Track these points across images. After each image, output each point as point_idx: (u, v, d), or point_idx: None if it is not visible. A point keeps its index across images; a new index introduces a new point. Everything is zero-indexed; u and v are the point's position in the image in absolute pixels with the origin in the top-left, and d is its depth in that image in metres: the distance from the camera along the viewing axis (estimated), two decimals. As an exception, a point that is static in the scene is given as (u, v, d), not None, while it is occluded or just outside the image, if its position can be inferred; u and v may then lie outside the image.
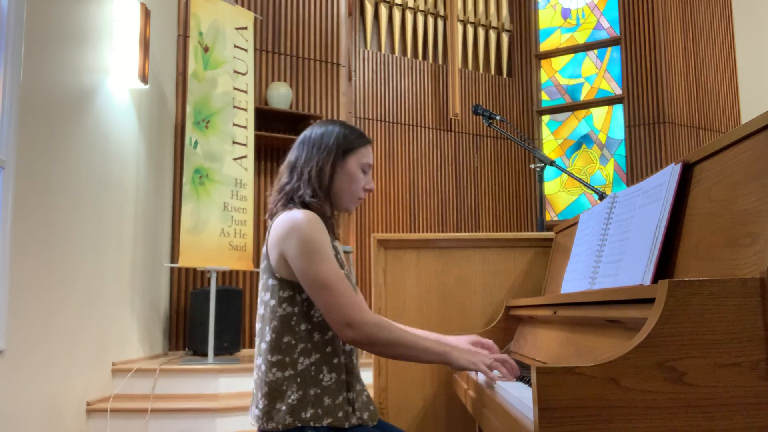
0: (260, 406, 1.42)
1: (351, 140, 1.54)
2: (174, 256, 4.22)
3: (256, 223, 4.49)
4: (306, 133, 1.58)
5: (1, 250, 2.31)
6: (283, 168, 1.56)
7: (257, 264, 4.44)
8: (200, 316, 3.88)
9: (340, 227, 1.62)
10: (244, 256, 3.88)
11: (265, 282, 1.47)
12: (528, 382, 1.33)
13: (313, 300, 1.40)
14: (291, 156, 1.56)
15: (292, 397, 1.38)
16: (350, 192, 1.54)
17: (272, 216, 1.52)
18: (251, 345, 4.43)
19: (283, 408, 1.38)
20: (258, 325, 1.48)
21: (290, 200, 1.50)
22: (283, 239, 1.41)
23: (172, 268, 4.24)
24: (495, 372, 1.40)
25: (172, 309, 4.25)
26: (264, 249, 1.50)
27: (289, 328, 1.41)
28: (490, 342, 1.64)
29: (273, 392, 1.40)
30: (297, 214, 1.42)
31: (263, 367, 1.43)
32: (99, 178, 3.18)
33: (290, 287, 1.43)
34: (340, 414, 1.40)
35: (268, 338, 1.42)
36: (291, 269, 1.42)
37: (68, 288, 2.84)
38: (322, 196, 1.50)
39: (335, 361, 1.43)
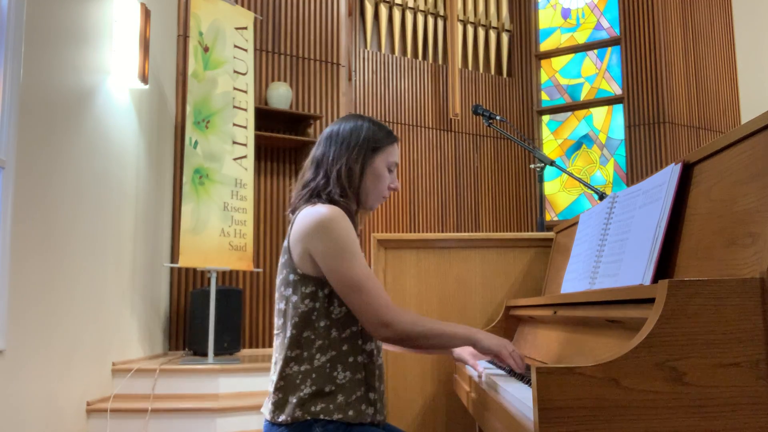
0: (273, 399, 1.41)
1: (379, 138, 1.52)
2: (174, 256, 4.22)
3: (256, 223, 4.48)
4: (333, 128, 1.54)
5: (1, 250, 2.31)
6: (308, 163, 1.53)
7: (257, 264, 4.44)
8: (200, 316, 3.88)
9: (361, 224, 1.59)
10: (244, 256, 3.88)
11: (285, 277, 1.45)
12: (528, 382, 1.33)
13: (344, 300, 1.38)
14: (317, 151, 1.52)
15: (305, 390, 1.37)
16: (376, 191, 1.52)
17: (294, 210, 1.49)
18: (251, 345, 4.43)
19: (294, 401, 1.37)
20: (278, 321, 1.46)
21: (315, 196, 1.47)
22: (310, 236, 1.38)
23: (172, 268, 4.24)
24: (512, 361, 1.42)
25: (172, 309, 4.25)
26: (285, 243, 1.46)
27: (310, 323, 1.40)
28: None
29: (288, 385, 1.39)
30: (323, 210, 1.39)
31: (280, 363, 1.41)
32: (99, 178, 3.18)
33: (313, 283, 1.41)
34: (351, 412, 1.38)
35: (289, 333, 1.41)
36: (315, 265, 1.40)
37: (68, 288, 2.84)
38: (351, 195, 1.48)
39: (350, 359, 1.41)
